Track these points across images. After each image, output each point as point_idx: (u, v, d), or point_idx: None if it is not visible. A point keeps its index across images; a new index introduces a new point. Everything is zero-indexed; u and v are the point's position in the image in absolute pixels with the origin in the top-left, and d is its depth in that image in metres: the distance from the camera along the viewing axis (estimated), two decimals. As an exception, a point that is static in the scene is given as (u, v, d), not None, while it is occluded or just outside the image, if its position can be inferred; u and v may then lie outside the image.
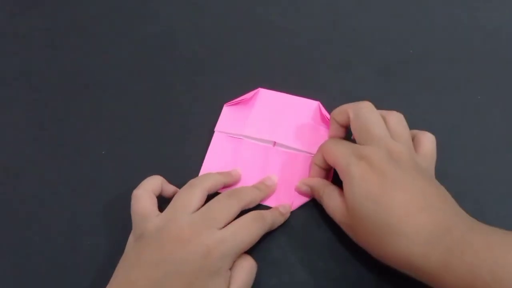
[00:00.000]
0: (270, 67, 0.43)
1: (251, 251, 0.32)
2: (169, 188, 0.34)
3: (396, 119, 0.33)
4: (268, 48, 0.44)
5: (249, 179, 0.36)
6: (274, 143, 0.38)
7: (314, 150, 0.37)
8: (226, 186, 0.36)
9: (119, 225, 0.35)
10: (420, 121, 0.38)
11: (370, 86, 0.41)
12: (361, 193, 0.29)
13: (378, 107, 0.40)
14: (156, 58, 0.44)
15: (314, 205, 0.36)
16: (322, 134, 0.38)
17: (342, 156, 0.31)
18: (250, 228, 0.31)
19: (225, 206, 0.31)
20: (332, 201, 0.32)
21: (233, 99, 0.40)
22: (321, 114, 0.39)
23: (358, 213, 0.29)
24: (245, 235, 0.30)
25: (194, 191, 0.32)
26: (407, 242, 0.27)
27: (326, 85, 0.41)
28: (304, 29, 0.45)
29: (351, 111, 0.33)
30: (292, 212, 0.36)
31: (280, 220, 0.34)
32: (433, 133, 0.34)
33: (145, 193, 0.32)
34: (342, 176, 0.31)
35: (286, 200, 0.36)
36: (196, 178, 0.34)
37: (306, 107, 0.40)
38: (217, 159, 0.37)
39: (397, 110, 0.40)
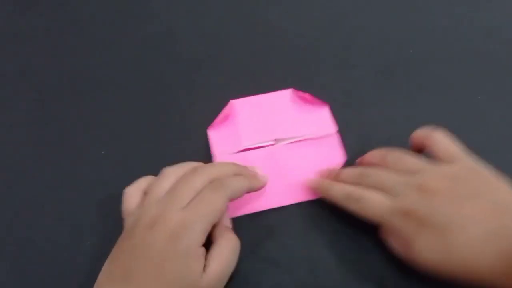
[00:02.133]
0: (270, 67, 0.43)
1: (248, 247, 0.32)
2: None
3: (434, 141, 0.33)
4: (268, 48, 0.44)
5: (268, 184, 0.36)
6: (273, 143, 0.38)
7: (313, 131, 0.38)
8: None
9: (119, 225, 0.35)
10: (420, 121, 0.38)
11: (370, 86, 0.41)
12: (425, 250, 0.29)
13: (378, 107, 0.40)
14: (156, 58, 0.44)
15: (314, 205, 0.36)
16: (311, 113, 0.39)
17: (384, 219, 0.31)
18: (210, 200, 0.30)
19: (188, 183, 0.31)
20: (399, 248, 0.31)
21: (237, 96, 0.40)
22: (299, 98, 0.40)
23: (428, 266, 0.29)
24: (206, 208, 0.30)
25: (166, 179, 0.32)
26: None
27: (326, 85, 0.41)
28: (304, 29, 0.45)
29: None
30: (292, 212, 0.36)
31: (246, 184, 0.33)
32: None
33: (136, 191, 0.33)
34: (397, 235, 0.31)
35: (300, 194, 0.36)
36: (169, 167, 0.33)
37: (282, 98, 0.40)
38: None
39: (397, 110, 0.40)
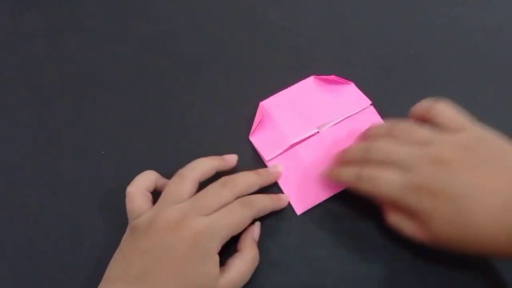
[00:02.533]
0: (270, 67, 0.43)
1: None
2: (164, 183, 0.35)
3: (439, 111, 0.32)
4: (268, 48, 0.44)
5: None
6: (317, 131, 0.38)
7: (350, 109, 0.39)
8: (222, 172, 0.35)
9: (119, 225, 0.35)
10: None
11: (370, 86, 0.41)
12: (443, 225, 0.28)
13: (378, 107, 0.40)
14: (156, 58, 0.44)
15: (314, 205, 0.36)
16: (341, 93, 0.40)
17: (398, 197, 0.29)
18: (237, 213, 0.31)
19: (216, 194, 0.32)
20: (409, 229, 0.30)
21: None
22: (324, 82, 0.41)
23: (446, 241, 0.28)
24: (232, 219, 0.31)
25: (184, 182, 0.32)
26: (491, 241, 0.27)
27: (326, 85, 0.41)
28: (304, 29, 0.45)
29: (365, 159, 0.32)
30: (292, 212, 0.36)
31: (270, 205, 0.34)
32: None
33: (138, 191, 0.33)
34: (411, 213, 0.29)
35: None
36: (186, 167, 0.34)
37: (307, 86, 0.41)
38: (286, 177, 0.37)
39: (397, 110, 0.40)
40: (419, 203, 0.28)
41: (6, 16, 0.47)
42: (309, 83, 0.41)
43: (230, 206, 0.31)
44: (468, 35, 0.44)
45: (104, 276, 0.30)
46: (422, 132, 0.31)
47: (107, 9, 0.47)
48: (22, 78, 0.43)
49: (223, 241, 0.30)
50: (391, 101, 0.40)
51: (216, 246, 0.30)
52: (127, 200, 0.33)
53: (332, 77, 0.40)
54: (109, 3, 0.48)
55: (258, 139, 0.39)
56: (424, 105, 0.33)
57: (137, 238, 0.30)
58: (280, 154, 0.38)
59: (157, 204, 0.32)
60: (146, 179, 0.34)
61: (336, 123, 0.39)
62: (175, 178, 0.33)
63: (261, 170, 0.36)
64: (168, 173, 0.37)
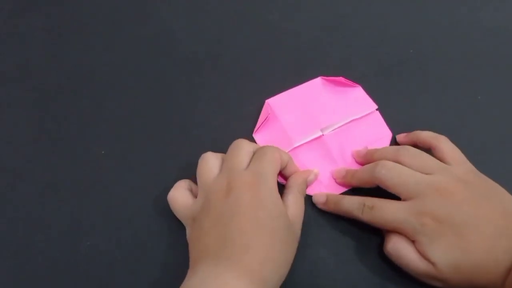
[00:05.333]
0: (270, 67, 0.43)
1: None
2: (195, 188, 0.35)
3: (445, 146, 0.34)
4: (268, 48, 0.44)
5: (322, 175, 0.37)
6: (321, 134, 0.38)
7: (355, 112, 0.39)
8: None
9: (119, 225, 0.35)
10: (420, 121, 0.39)
11: (370, 86, 0.41)
12: (444, 250, 0.29)
13: (378, 107, 0.40)
14: (156, 58, 0.44)
15: (314, 205, 0.36)
16: (348, 95, 0.40)
17: (400, 222, 0.31)
18: (267, 153, 0.33)
19: (240, 148, 0.34)
20: (408, 256, 0.31)
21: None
22: (332, 83, 0.41)
23: (446, 268, 0.29)
24: (268, 159, 0.33)
25: (210, 162, 0.34)
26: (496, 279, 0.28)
27: (326, 85, 0.42)
28: (304, 29, 0.45)
29: (373, 181, 0.33)
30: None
31: (285, 155, 0.35)
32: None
33: (182, 190, 0.34)
34: (412, 238, 0.30)
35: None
36: (205, 155, 0.34)
37: (315, 87, 0.41)
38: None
39: (397, 110, 0.40)
40: (420, 228, 0.30)
41: (6, 16, 0.47)
42: (317, 83, 0.41)
43: (256, 154, 0.33)
44: (468, 35, 0.44)
45: (190, 263, 0.30)
46: (429, 160, 0.33)
47: (107, 9, 0.47)
48: (22, 78, 0.43)
49: (275, 178, 0.32)
50: (391, 101, 0.40)
51: (272, 184, 0.31)
52: (172, 201, 0.34)
53: (340, 78, 0.40)
54: (109, 3, 0.48)
55: (262, 137, 0.39)
56: (429, 134, 0.35)
57: (198, 221, 0.31)
58: None
59: (199, 189, 0.33)
60: (183, 182, 0.35)
61: (340, 126, 0.39)
62: (200, 163, 0.34)
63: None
64: (167, 172, 0.37)
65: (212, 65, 0.43)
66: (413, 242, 0.30)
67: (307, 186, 0.35)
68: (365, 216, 0.32)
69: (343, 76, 0.40)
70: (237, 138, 0.39)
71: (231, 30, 0.45)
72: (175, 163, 0.38)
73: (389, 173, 0.32)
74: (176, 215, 0.34)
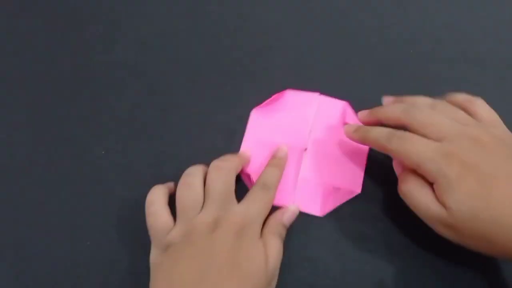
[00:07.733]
0: (270, 67, 0.43)
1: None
2: (172, 187, 0.35)
3: (479, 107, 0.33)
4: (268, 48, 0.44)
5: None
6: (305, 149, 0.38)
7: (328, 115, 0.39)
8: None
9: (119, 225, 0.35)
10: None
11: (370, 86, 0.41)
12: (463, 195, 0.28)
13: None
14: (156, 58, 0.44)
15: (314, 205, 0.36)
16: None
17: (426, 158, 0.29)
18: (263, 198, 0.33)
19: (220, 180, 0.33)
20: (422, 198, 0.30)
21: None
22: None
23: (462, 215, 0.28)
24: (260, 205, 0.33)
25: (193, 189, 0.33)
26: None
27: (326, 85, 0.41)
28: (304, 29, 0.45)
29: (402, 118, 0.32)
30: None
31: (278, 174, 0.35)
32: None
33: (161, 207, 0.33)
34: (432, 179, 0.29)
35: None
36: (187, 174, 0.34)
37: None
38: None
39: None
40: (445, 169, 0.28)
41: (6, 16, 0.47)
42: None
43: (252, 194, 0.33)
44: (468, 35, 0.44)
45: None
46: (463, 114, 0.32)
47: (107, 9, 0.47)
48: (22, 78, 0.43)
49: (261, 225, 0.32)
50: (391, 101, 0.40)
51: (258, 231, 0.31)
52: (152, 218, 0.32)
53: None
54: (108, 3, 0.48)
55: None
56: (464, 96, 0.34)
57: (179, 250, 0.30)
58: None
59: (179, 216, 0.32)
60: (162, 193, 0.34)
61: (317, 136, 0.38)
62: (182, 186, 0.33)
63: (275, 161, 0.36)
64: (167, 173, 0.37)
65: (212, 65, 0.43)
66: (431, 184, 0.29)
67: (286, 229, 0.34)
68: (393, 145, 0.31)
69: (314, 90, 0.40)
70: (237, 138, 0.39)
71: (231, 30, 0.45)
72: (175, 163, 0.38)
73: (422, 113, 0.31)
74: (149, 229, 0.32)
